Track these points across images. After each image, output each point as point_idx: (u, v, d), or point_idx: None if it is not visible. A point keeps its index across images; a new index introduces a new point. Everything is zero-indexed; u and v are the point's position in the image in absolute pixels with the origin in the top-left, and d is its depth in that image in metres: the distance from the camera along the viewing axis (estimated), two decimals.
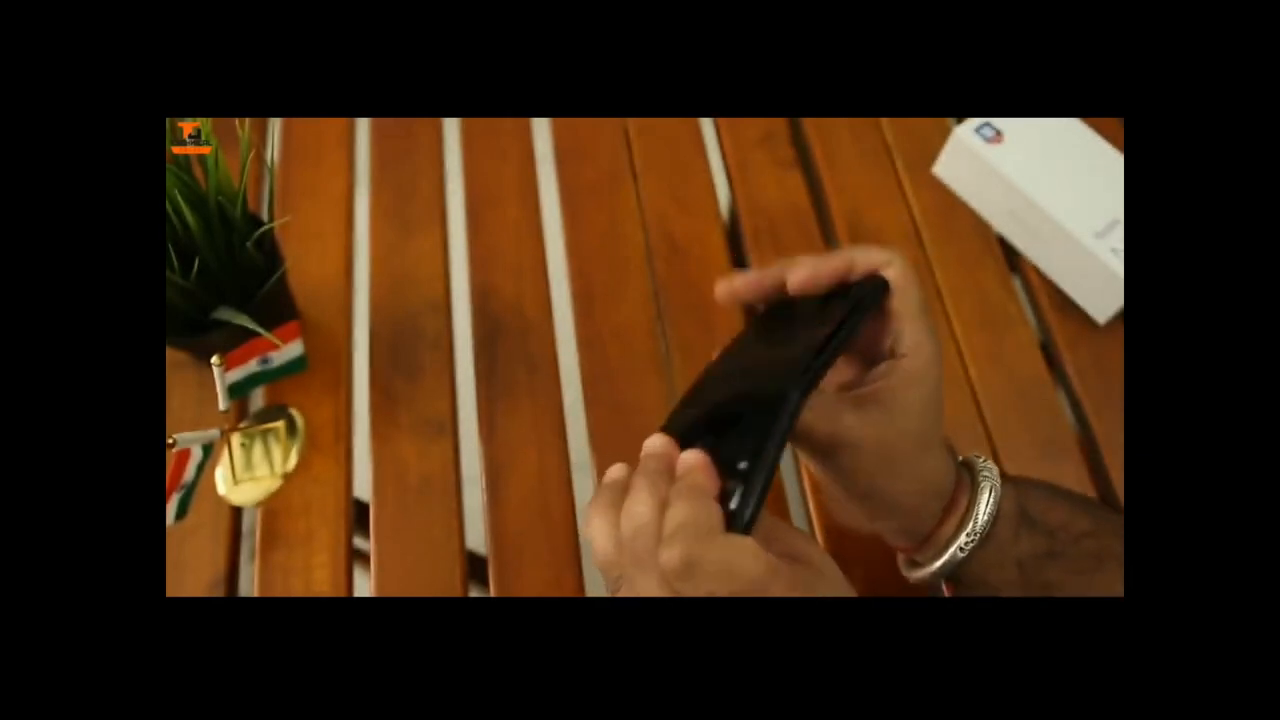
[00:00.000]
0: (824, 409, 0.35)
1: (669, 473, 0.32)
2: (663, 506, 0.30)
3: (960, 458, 0.39)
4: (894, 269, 0.36)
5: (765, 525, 0.32)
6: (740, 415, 0.33)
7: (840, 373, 0.39)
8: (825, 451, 0.35)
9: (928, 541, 0.37)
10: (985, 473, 0.37)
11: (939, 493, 0.37)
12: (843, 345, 0.33)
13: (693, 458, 0.32)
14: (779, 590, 0.29)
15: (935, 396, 0.36)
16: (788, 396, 0.31)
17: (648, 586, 0.30)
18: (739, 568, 0.28)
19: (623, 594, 0.31)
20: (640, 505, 0.31)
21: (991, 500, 0.36)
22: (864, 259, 0.36)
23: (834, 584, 0.31)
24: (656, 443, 0.34)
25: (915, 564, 0.39)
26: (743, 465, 0.30)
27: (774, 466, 0.30)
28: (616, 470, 0.34)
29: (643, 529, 0.30)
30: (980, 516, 0.36)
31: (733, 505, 0.30)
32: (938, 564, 0.37)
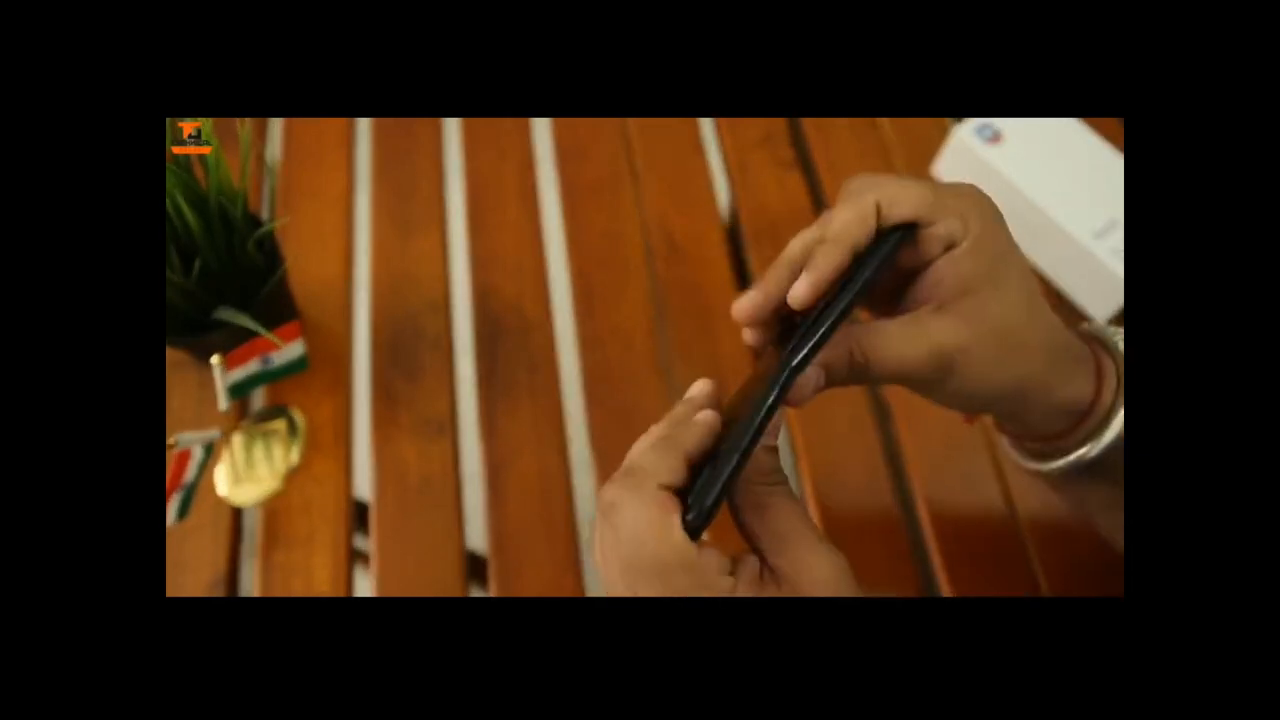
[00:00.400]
0: (908, 340, 0.31)
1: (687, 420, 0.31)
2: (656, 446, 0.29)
3: (1077, 329, 0.35)
4: (889, 200, 0.31)
5: (782, 522, 0.30)
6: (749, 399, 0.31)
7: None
8: (937, 376, 0.31)
9: (1087, 419, 0.33)
10: (1117, 336, 0.34)
11: (1077, 356, 0.32)
12: (845, 309, 0.30)
13: (704, 415, 0.30)
14: (685, 586, 0.27)
15: (1010, 255, 0.31)
16: (769, 380, 0.29)
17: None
18: (645, 540, 0.27)
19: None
20: (642, 441, 0.30)
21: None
22: (862, 227, 0.31)
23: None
24: (698, 387, 0.32)
25: (1057, 452, 0.34)
26: (723, 447, 0.29)
27: (748, 453, 0.29)
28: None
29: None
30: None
31: (696, 484, 0.29)
32: (1102, 437, 0.32)
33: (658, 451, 0.29)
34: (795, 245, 0.34)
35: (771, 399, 0.29)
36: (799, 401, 0.31)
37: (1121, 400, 0.32)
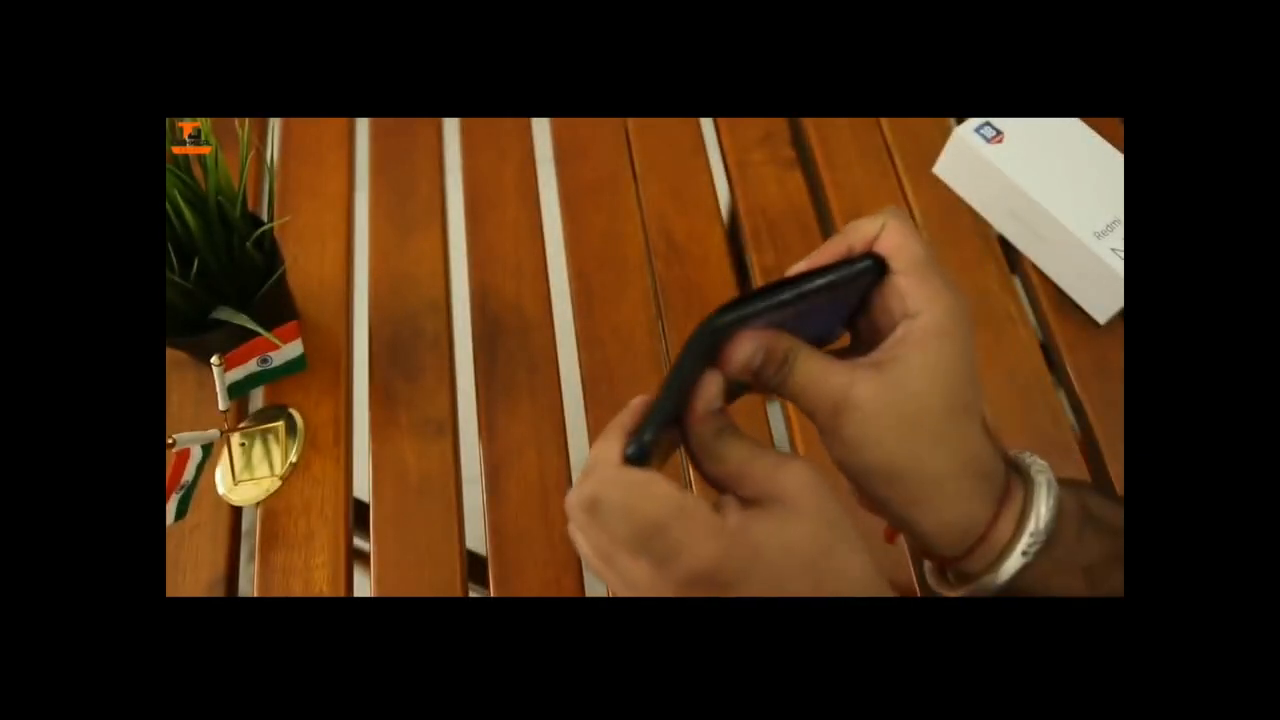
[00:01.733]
0: (831, 369, 0.31)
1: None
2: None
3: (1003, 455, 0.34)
4: (889, 232, 0.32)
5: (739, 460, 0.30)
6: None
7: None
8: (830, 416, 0.31)
9: (981, 545, 0.32)
10: (1037, 467, 0.33)
11: (984, 474, 0.32)
12: (797, 296, 0.31)
13: (634, 400, 0.32)
14: (686, 531, 0.28)
15: (960, 355, 0.31)
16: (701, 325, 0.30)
17: (579, 543, 0.30)
18: (635, 506, 0.28)
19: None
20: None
21: (1052, 495, 0.31)
22: (858, 235, 0.33)
23: (804, 524, 0.29)
24: (635, 401, 0.33)
25: (960, 578, 0.34)
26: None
27: (675, 393, 0.30)
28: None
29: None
30: (1043, 512, 0.31)
31: (630, 442, 0.30)
32: (1000, 570, 0.31)
33: (604, 440, 0.31)
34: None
35: (688, 350, 0.30)
36: (730, 369, 0.31)
37: (1025, 531, 0.31)
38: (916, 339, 0.31)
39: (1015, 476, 0.33)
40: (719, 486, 0.32)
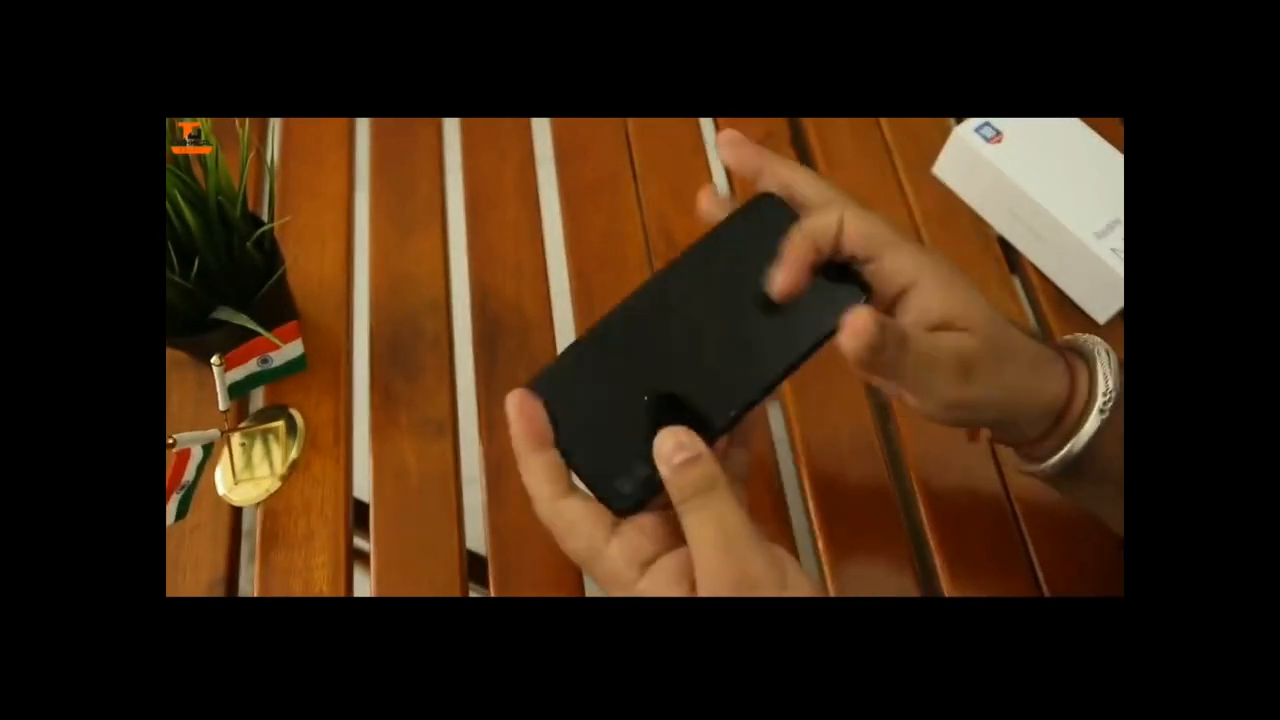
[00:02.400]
0: (937, 337, 0.34)
1: None
2: None
3: (1056, 341, 0.39)
4: (849, 223, 0.34)
5: (730, 537, 0.31)
6: (686, 390, 0.34)
7: None
8: (962, 374, 0.34)
9: (1065, 416, 0.36)
10: (1092, 342, 0.37)
11: (1051, 359, 0.36)
12: (708, 249, 0.35)
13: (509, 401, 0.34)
14: (602, 573, 0.31)
15: (971, 287, 0.35)
16: (725, 412, 0.33)
17: None
18: (564, 540, 0.32)
19: None
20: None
21: (1113, 358, 0.36)
22: (823, 237, 0.34)
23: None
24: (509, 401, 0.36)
25: (1046, 454, 0.37)
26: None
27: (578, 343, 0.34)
28: None
29: None
30: (1109, 372, 0.35)
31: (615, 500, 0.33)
32: (1080, 433, 0.35)
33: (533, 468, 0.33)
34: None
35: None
36: (852, 332, 0.31)
37: (1098, 393, 0.35)
38: (935, 296, 0.34)
39: (1075, 356, 0.37)
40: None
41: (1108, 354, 0.36)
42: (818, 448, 0.53)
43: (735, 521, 0.31)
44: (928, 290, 0.34)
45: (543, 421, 0.33)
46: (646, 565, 0.31)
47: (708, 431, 0.33)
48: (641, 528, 0.32)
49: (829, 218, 0.34)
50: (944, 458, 0.52)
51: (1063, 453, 0.36)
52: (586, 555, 0.32)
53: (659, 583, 0.31)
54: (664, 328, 0.35)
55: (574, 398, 0.34)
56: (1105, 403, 0.35)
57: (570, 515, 0.32)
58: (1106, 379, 0.35)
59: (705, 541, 0.30)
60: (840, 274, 0.35)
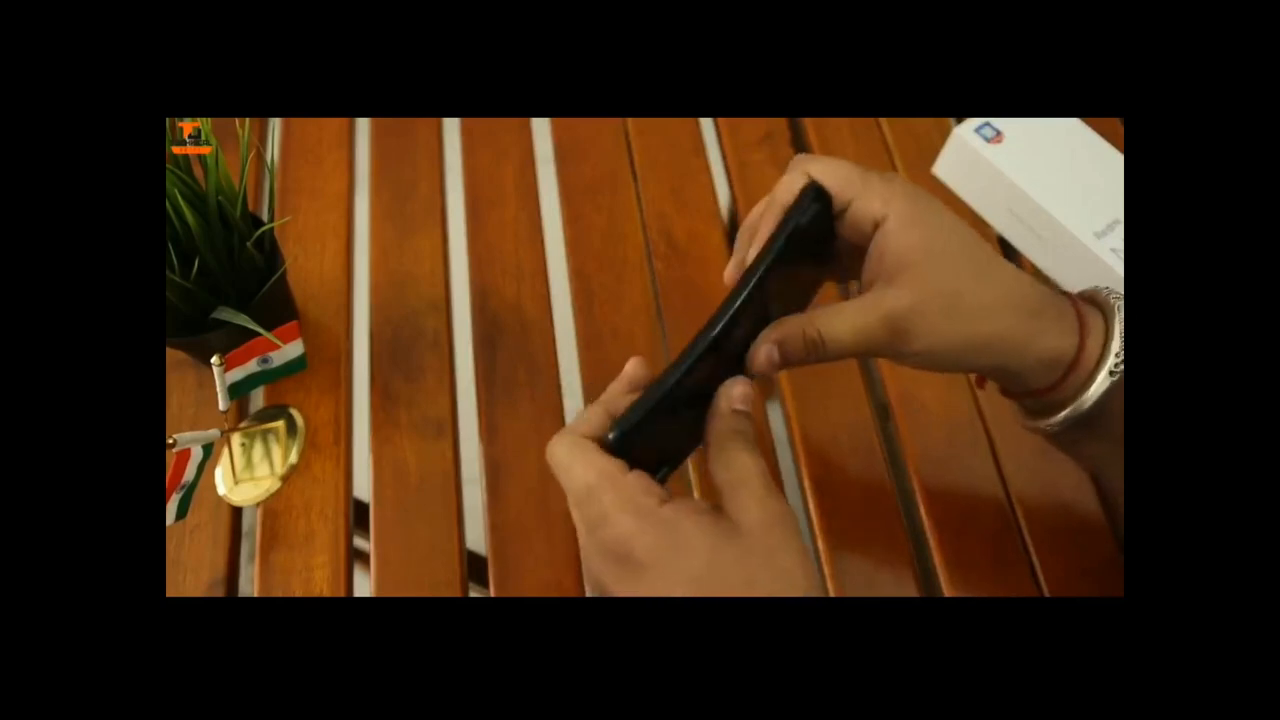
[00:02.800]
0: (859, 313, 0.34)
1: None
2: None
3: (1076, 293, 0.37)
4: (812, 169, 0.35)
5: (739, 471, 0.32)
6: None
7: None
8: (893, 340, 0.34)
9: (1072, 372, 0.34)
10: (1114, 296, 0.35)
11: (1056, 311, 0.35)
12: (764, 270, 0.34)
13: (627, 367, 0.36)
14: (611, 501, 0.31)
15: (940, 220, 0.34)
16: (698, 337, 0.33)
17: None
18: (571, 468, 0.32)
19: None
20: None
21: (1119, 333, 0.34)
22: (786, 193, 0.35)
23: (740, 551, 0.30)
24: (631, 365, 0.37)
25: (1054, 407, 0.36)
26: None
27: (663, 395, 0.33)
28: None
29: None
30: (1122, 330, 0.34)
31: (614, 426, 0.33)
32: (1087, 392, 0.34)
33: (585, 413, 0.34)
34: (754, 212, 0.38)
35: (694, 351, 0.33)
36: (757, 372, 0.35)
37: (1110, 351, 0.34)
38: (897, 232, 0.34)
39: (1092, 309, 0.35)
40: (717, 494, 0.33)
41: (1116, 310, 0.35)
42: (817, 447, 0.53)
43: (769, 475, 0.33)
44: (891, 232, 0.34)
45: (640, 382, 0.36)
46: (664, 501, 0.31)
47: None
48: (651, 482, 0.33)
49: (793, 178, 0.35)
50: (944, 458, 0.52)
51: (1067, 411, 0.35)
52: (598, 481, 0.31)
53: (681, 508, 0.31)
54: (730, 342, 0.35)
55: (644, 433, 0.34)
56: (1116, 364, 0.34)
57: (590, 451, 0.32)
58: (1121, 339, 0.34)
59: (754, 475, 0.32)
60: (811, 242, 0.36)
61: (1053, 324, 0.35)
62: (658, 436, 0.34)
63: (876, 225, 0.34)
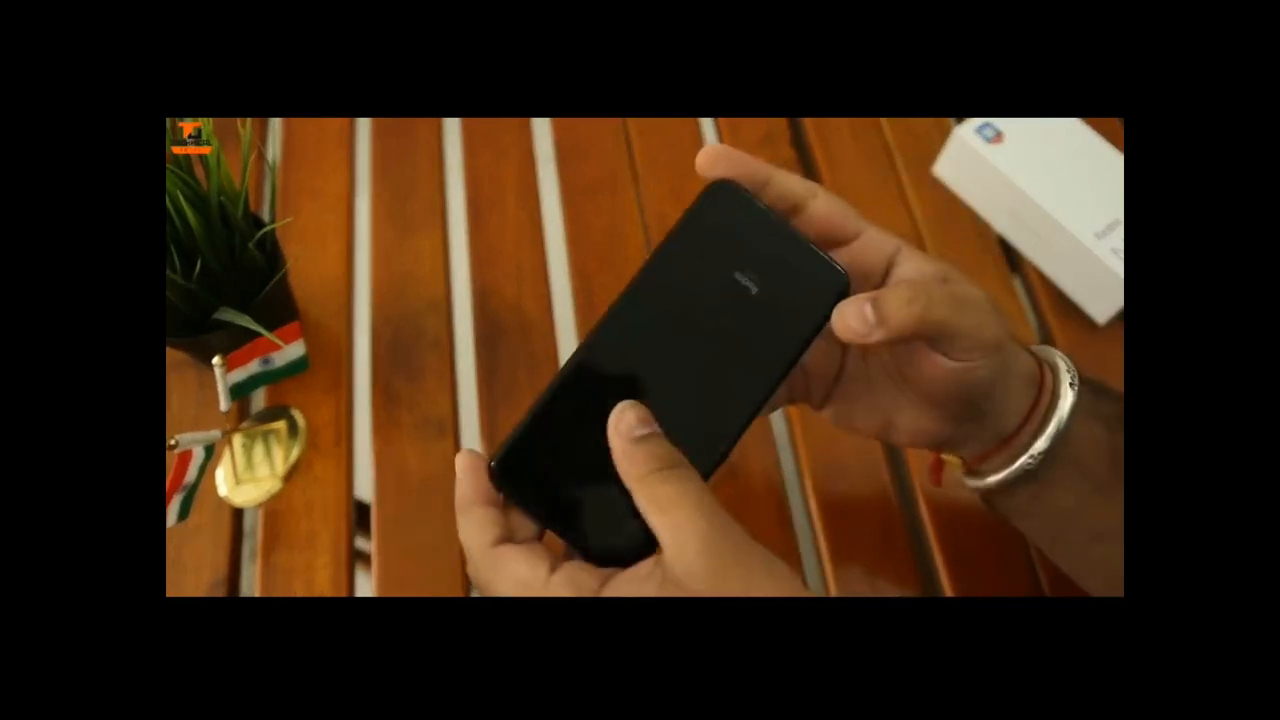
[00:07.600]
0: (905, 293, 0.32)
1: None
2: None
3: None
4: (827, 202, 0.35)
5: (663, 524, 0.29)
6: (678, 419, 0.31)
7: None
8: (955, 311, 0.33)
9: (1036, 405, 0.36)
10: (1051, 351, 0.38)
11: (1024, 357, 0.36)
12: (658, 265, 0.33)
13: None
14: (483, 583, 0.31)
15: (955, 269, 0.35)
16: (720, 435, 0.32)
17: None
18: (503, 574, 0.31)
19: None
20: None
21: (1071, 366, 0.36)
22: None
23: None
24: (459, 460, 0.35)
25: (1000, 464, 0.37)
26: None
27: (537, 413, 0.32)
28: None
29: None
30: (1063, 359, 0.36)
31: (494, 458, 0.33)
32: (1060, 408, 0.35)
33: (460, 488, 0.33)
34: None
35: (574, 357, 0.32)
36: (850, 338, 0.32)
37: (1061, 373, 0.36)
38: (918, 260, 0.35)
39: (1042, 363, 0.37)
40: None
41: (1068, 367, 0.37)
42: (818, 446, 0.53)
43: (710, 496, 0.29)
44: (911, 256, 0.35)
45: (486, 480, 0.32)
46: (596, 591, 0.30)
47: (711, 454, 0.32)
48: (581, 565, 0.31)
49: (793, 184, 0.35)
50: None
51: (1026, 456, 0.35)
52: (526, 593, 0.30)
53: (622, 588, 0.29)
54: (642, 355, 0.32)
55: (547, 466, 0.32)
56: (1072, 380, 0.36)
57: (507, 557, 0.31)
58: (1065, 359, 0.36)
59: (684, 507, 0.28)
60: (811, 259, 0.33)
61: (1026, 366, 0.36)
62: (575, 456, 0.31)
63: (892, 257, 0.35)
